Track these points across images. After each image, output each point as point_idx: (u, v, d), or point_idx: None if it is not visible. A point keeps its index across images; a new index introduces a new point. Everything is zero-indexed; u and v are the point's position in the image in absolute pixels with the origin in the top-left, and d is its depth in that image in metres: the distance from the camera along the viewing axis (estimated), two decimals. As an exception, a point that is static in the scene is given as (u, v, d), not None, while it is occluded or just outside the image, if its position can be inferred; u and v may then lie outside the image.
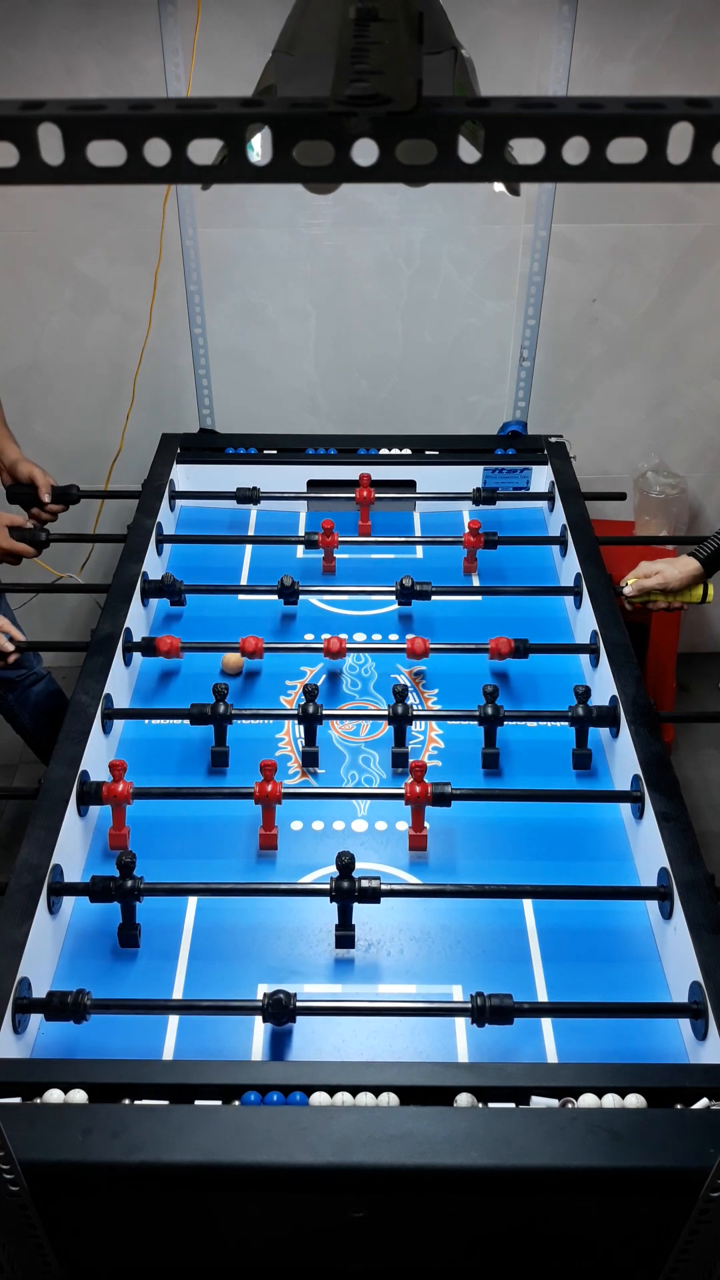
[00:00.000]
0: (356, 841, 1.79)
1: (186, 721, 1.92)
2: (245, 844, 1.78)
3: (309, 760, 1.93)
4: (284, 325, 2.94)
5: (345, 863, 1.55)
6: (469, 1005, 1.42)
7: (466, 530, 2.39)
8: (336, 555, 2.42)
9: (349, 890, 1.55)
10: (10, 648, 2.11)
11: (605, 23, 2.52)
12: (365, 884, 1.55)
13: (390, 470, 2.67)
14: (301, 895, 1.65)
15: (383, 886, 1.56)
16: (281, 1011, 1.43)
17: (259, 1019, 1.50)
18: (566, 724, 1.91)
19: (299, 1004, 1.44)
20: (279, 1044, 1.48)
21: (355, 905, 1.57)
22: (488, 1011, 1.42)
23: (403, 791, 1.73)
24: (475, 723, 1.91)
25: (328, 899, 1.57)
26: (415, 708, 1.99)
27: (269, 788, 1.73)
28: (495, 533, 2.40)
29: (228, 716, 1.90)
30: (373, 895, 1.55)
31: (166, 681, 2.13)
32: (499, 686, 1.96)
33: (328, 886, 1.56)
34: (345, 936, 1.58)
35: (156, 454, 2.68)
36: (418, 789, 1.72)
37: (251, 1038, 1.49)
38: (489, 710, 1.89)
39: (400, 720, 1.90)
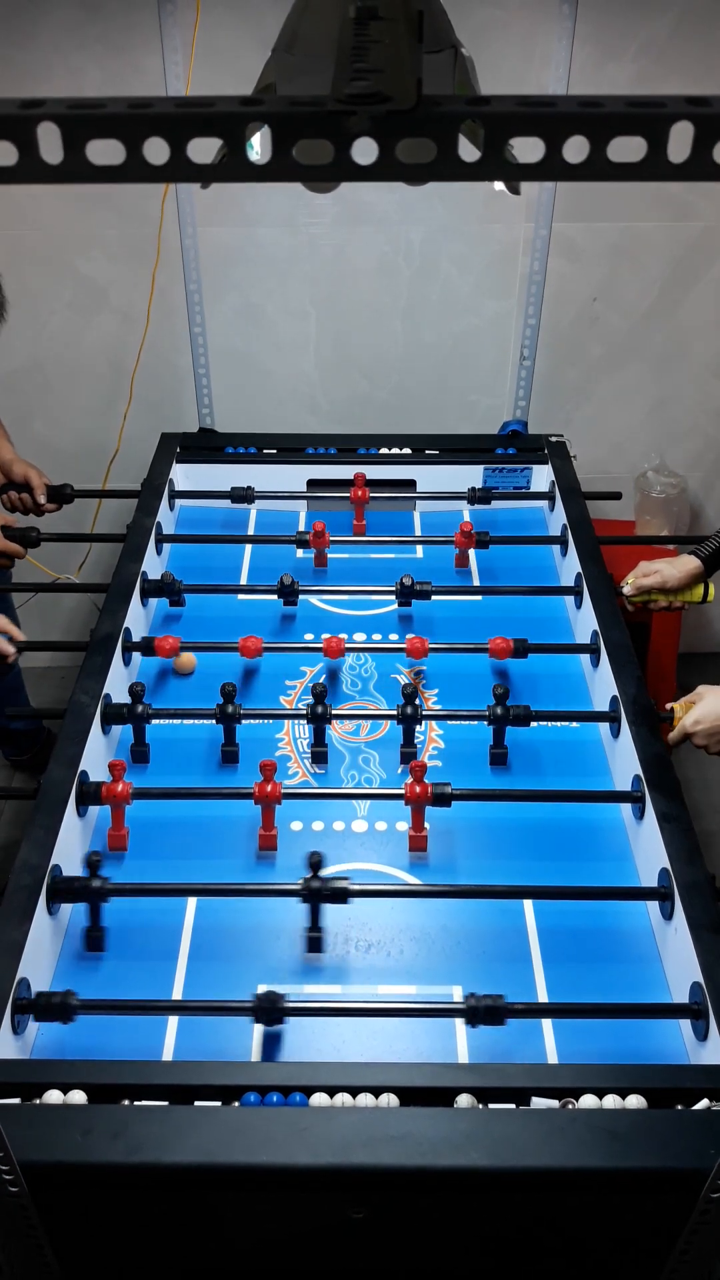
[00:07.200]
0: (356, 842, 1.78)
1: (185, 721, 1.93)
2: (245, 844, 1.78)
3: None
4: (284, 325, 2.94)
5: (315, 862, 1.55)
6: (463, 1006, 1.42)
7: (459, 531, 2.38)
8: (336, 554, 2.41)
9: (318, 890, 1.54)
10: (11, 650, 2.10)
11: (605, 22, 2.52)
12: (336, 885, 1.54)
13: (390, 470, 2.66)
14: (273, 896, 1.62)
15: (352, 887, 1.55)
16: (272, 1010, 1.42)
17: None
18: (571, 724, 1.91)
19: (290, 1004, 1.43)
20: (279, 1045, 1.48)
21: (345, 906, 1.57)
22: (481, 1012, 1.41)
23: (403, 791, 1.73)
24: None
25: (299, 900, 1.56)
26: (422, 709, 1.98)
27: (269, 788, 1.73)
28: (487, 532, 2.39)
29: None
30: (340, 896, 1.54)
31: (166, 681, 2.13)
32: (504, 686, 1.96)
33: (298, 886, 1.55)
34: (314, 939, 1.57)
35: (156, 453, 2.68)
36: (418, 789, 1.72)
37: (251, 1039, 1.48)
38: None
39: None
